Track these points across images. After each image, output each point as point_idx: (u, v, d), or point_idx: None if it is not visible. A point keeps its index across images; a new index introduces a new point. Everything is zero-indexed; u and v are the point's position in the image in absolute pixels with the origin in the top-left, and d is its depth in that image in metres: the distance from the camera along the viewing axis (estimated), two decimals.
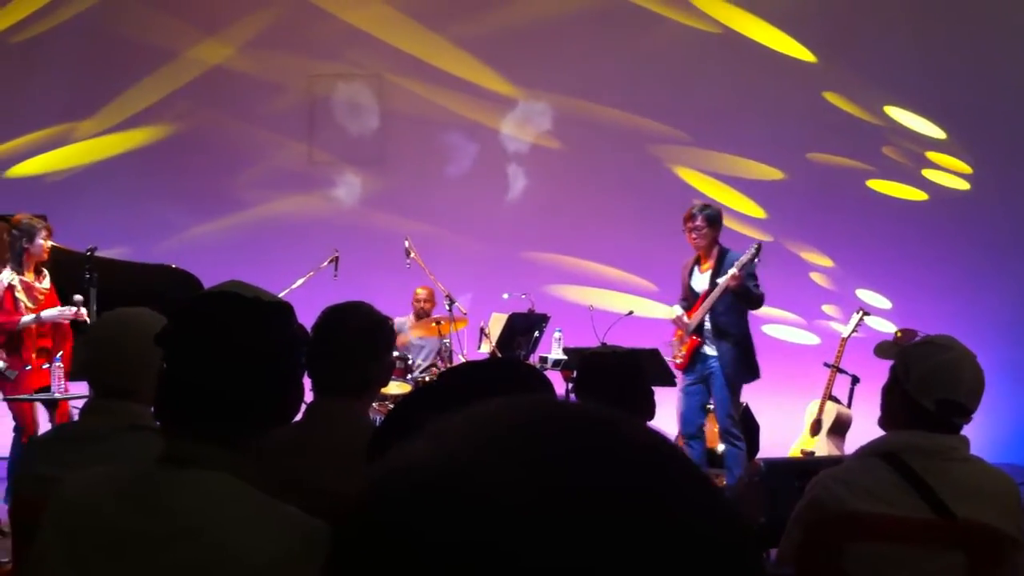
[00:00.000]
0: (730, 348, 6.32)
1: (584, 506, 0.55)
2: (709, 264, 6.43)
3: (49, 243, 6.42)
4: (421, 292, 8.05)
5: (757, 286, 6.34)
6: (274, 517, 1.48)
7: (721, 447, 6.61)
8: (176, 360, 1.57)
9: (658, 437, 0.61)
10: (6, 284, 6.20)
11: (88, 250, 6.53)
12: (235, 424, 1.54)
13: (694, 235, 6.40)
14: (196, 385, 1.54)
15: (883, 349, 3.44)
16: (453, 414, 0.62)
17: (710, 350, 6.37)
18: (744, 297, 6.28)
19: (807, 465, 5.01)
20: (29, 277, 6.34)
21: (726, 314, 6.34)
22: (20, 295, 6.26)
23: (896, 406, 2.54)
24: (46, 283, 6.46)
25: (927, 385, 2.46)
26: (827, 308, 8.96)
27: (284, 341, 1.59)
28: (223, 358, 1.54)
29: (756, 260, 6.32)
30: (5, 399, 6.26)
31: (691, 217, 6.41)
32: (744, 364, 6.37)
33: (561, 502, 0.54)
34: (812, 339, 8.92)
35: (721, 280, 6.22)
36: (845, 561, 2.38)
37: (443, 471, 0.57)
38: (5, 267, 6.29)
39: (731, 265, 6.31)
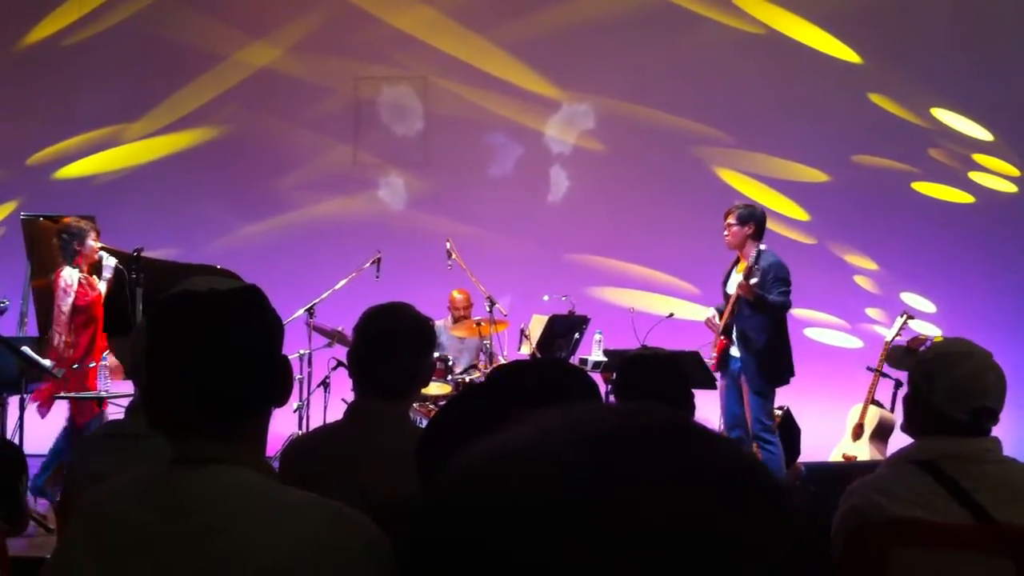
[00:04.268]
0: (752, 353, 6.30)
1: (665, 524, 0.58)
2: (744, 265, 6.43)
3: (98, 244, 6.60)
4: (458, 298, 7.96)
5: (783, 292, 6.28)
6: (297, 504, 1.50)
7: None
8: (162, 362, 1.56)
9: (748, 464, 0.63)
10: (73, 282, 6.46)
11: (135, 251, 6.64)
12: (233, 416, 1.55)
13: (726, 234, 6.45)
14: (187, 384, 1.53)
15: (898, 359, 3.39)
16: (555, 411, 0.64)
17: (736, 352, 6.38)
18: (758, 306, 6.26)
19: (849, 469, 4.99)
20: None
21: (751, 318, 6.31)
22: (91, 288, 6.54)
23: (923, 417, 2.51)
24: (101, 286, 6.64)
25: (957, 397, 2.43)
26: (871, 311, 8.88)
27: (265, 325, 1.60)
28: (209, 353, 1.53)
29: (763, 271, 6.26)
30: (55, 397, 6.41)
31: (725, 216, 6.46)
32: (769, 369, 6.32)
33: (642, 518, 0.57)
34: (855, 343, 8.84)
35: (732, 288, 6.28)
36: (889, 570, 2.34)
37: (549, 479, 0.60)
38: (64, 267, 6.48)
39: (756, 269, 6.31)
